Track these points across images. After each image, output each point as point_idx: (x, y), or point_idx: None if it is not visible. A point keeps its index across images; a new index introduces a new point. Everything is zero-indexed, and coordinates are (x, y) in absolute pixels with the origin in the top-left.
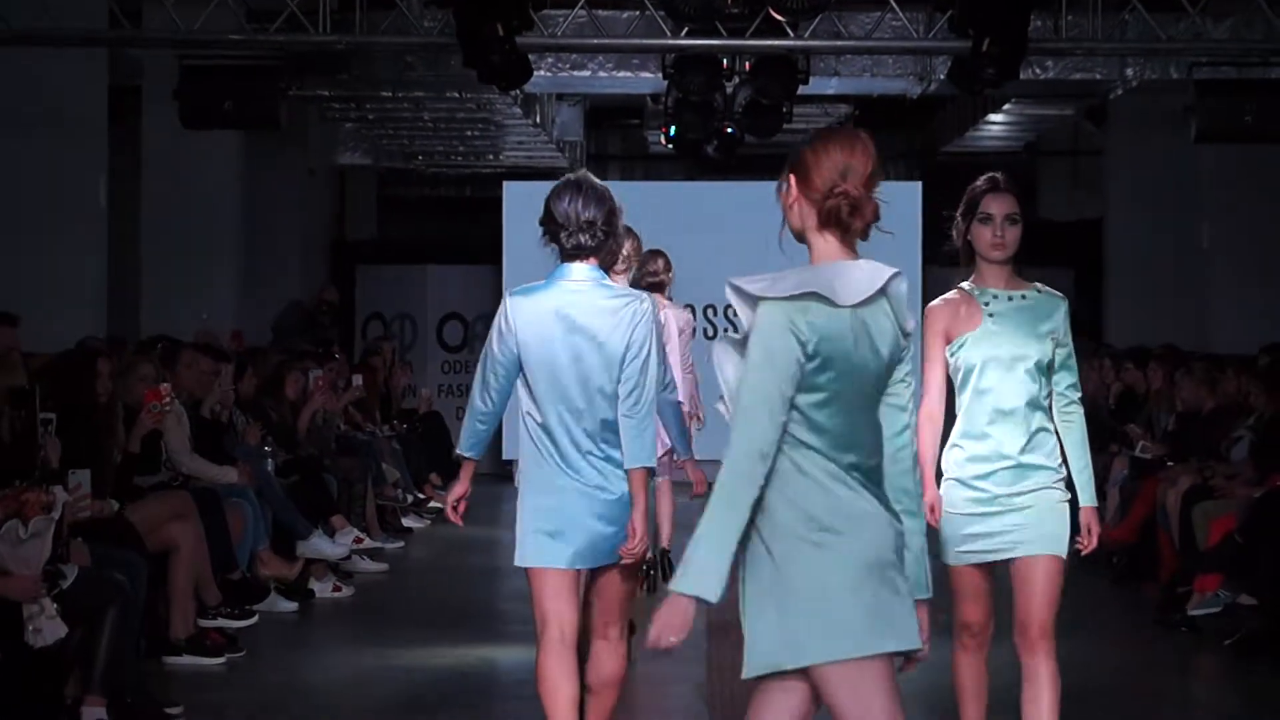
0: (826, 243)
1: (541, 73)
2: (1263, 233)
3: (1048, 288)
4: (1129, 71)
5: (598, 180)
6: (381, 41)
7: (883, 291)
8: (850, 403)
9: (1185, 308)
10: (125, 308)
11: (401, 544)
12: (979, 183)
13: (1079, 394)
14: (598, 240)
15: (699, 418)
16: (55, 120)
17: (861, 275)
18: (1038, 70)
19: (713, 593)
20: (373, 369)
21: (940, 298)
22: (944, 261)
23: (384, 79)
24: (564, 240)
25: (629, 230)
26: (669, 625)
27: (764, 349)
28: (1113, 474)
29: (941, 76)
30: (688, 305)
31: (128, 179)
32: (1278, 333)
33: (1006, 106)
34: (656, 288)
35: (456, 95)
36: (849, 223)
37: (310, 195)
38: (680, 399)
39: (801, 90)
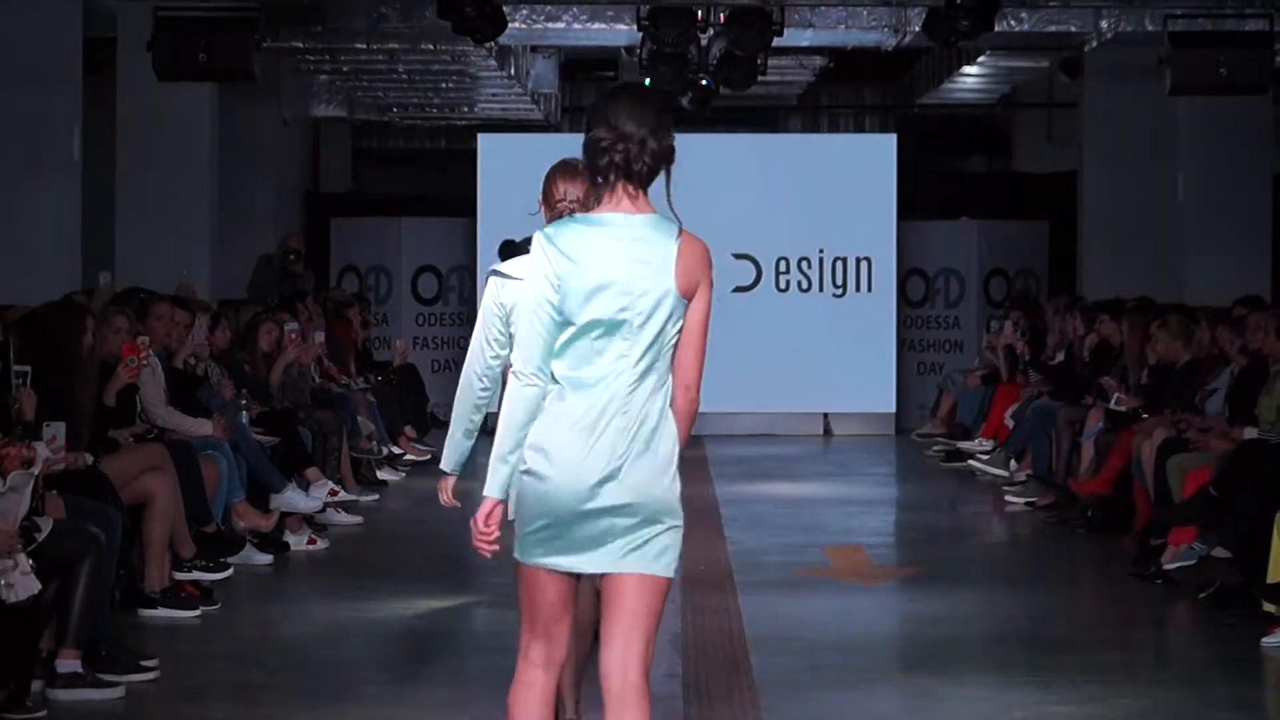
0: None
1: (516, 25)
2: (1238, 185)
3: None
4: (1104, 23)
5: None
6: None
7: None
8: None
9: (1160, 260)
10: (99, 260)
11: (376, 497)
12: None
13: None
14: None
15: None
16: (29, 72)
17: None
18: (1012, 22)
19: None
20: (347, 321)
21: None
22: (919, 214)
23: (358, 31)
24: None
25: None
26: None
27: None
28: (1088, 426)
29: (916, 28)
30: None
31: (102, 131)
32: (1252, 285)
33: (981, 59)
34: None
35: (431, 47)
36: None
37: (284, 147)
38: None
39: (776, 42)
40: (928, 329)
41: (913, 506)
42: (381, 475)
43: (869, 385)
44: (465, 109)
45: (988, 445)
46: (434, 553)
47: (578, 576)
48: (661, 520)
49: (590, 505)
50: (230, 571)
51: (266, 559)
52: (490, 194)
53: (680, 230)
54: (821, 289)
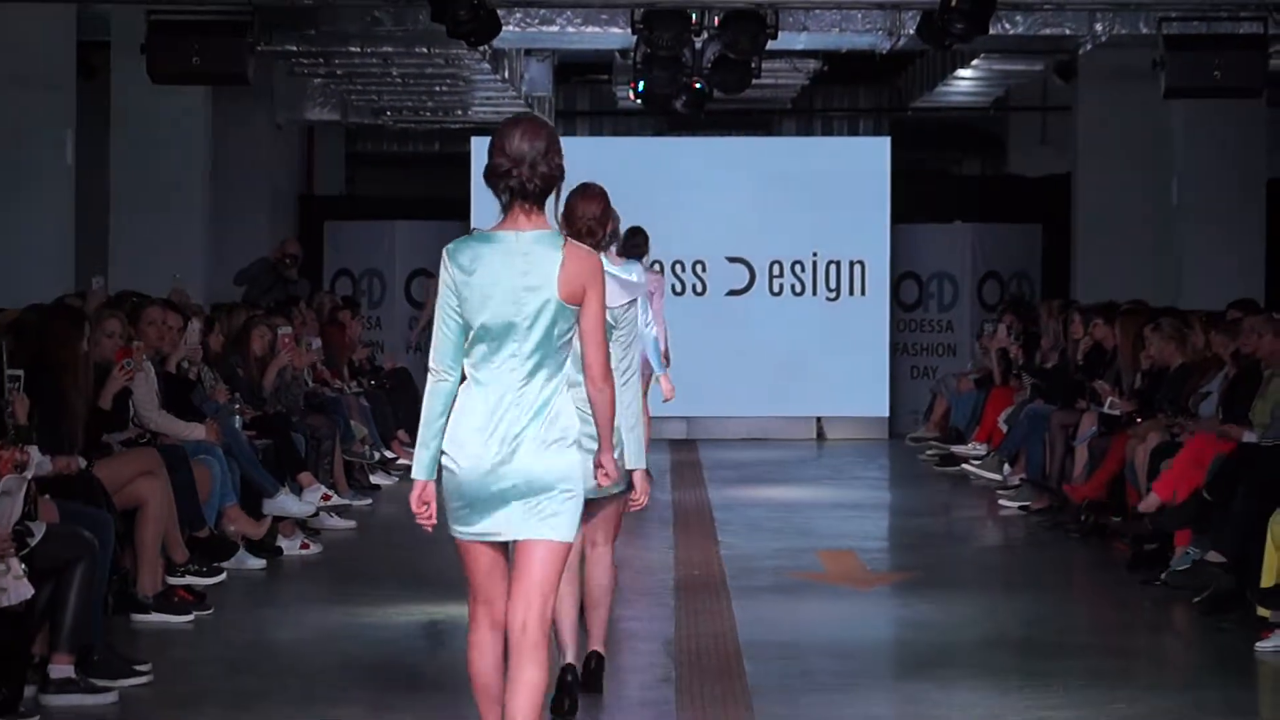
0: None
1: (510, 28)
2: (1232, 188)
3: None
4: (1098, 26)
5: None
6: None
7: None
8: None
9: (1155, 264)
10: (92, 264)
11: (369, 501)
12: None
13: None
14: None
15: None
16: (23, 76)
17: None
18: (1007, 25)
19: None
20: (341, 325)
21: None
22: (913, 217)
23: (352, 34)
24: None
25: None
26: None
27: None
28: (1081, 430)
29: (910, 31)
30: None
31: (95, 134)
32: (1247, 289)
33: (975, 61)
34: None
35: (425, 51)
36: (584, 241)
37: (278, 151)
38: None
39: (770, 45)
40: (921, 333)
41: (906, 511)
42: (374, 479)
43: (862, 389)
44: (459, 112)
45: (981, 449)
46: (427, 557)
47: (505, 546)
48: (552, 490)
49: (494, 487)
50: (223, 576)
51: (259, 564)
52: (484, 197)
53: (565, 243)
54: (815, 292)
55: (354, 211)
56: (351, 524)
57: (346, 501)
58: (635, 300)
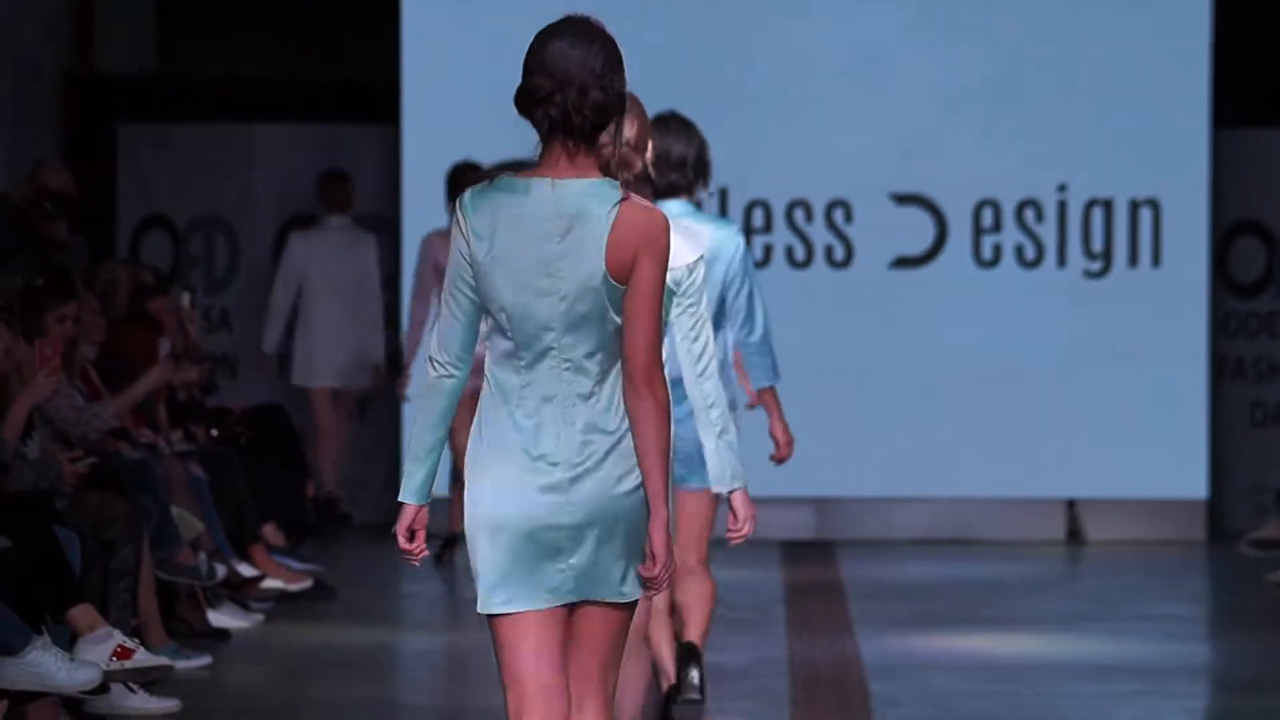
0: None
1: None
2: None
3: None
4: None
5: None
6: None
7: None
8: None
9: None
10: None
11: (207, 660)
12: None
13: None
14: (688, 180)
15: None
16: None
17: None
18: None
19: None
20: (153, 325)
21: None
22: (1254, 117)
23: None
24: (655, 180)
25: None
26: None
27: None
28: None
29: None
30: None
31: None
32: None
33: None
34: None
35: None
36: (616, 174)
37: None
38: None
39: None
40: (1273, 339)
41: (1244, 685)
42: (218, 619)
43: (1156, 449)
44: None
45: None
46: None
47: (568, 610)
48: (620, 535)
49: (537, 529)
50: None
51: None
52: (425, 79)
53: (622, 198)
54: (1063, 262)
55: (173, 107)
56: (170, 706)
57: (164, 662)
58: (702, 257)
